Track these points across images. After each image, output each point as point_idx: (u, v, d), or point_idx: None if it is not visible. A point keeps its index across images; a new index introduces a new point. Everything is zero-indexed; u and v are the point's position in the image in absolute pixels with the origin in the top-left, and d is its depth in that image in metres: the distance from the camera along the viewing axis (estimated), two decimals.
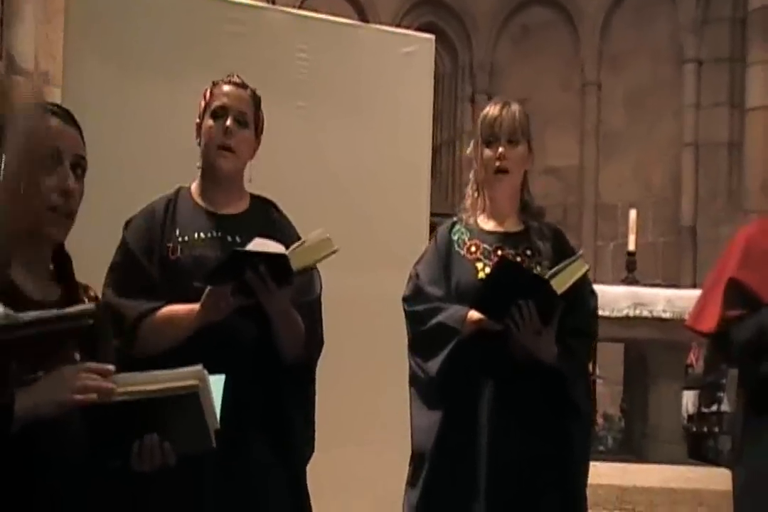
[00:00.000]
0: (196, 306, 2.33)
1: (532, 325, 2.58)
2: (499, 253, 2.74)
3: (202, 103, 2.56)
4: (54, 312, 1.66)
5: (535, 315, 2.57)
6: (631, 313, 5.36)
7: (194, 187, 2.58)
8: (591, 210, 10.09)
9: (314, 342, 2.52)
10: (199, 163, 2.56)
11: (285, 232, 2.51)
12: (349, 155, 3.79)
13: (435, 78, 4.11)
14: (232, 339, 2.37)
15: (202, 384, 1.80)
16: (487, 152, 2.78)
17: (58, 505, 1.75)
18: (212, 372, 1.88)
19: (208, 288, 2.31)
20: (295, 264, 2.31)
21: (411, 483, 2.75)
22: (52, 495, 1.74)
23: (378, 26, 5.14)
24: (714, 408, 7.78)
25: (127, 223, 2.52)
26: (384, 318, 3.55)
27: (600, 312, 2.98)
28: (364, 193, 3.80)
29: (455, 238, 2.82)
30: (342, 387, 3.36)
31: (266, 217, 2.57)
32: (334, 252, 2.34)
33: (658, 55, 9.77)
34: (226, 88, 2.55)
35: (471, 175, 2.88)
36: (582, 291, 2.74)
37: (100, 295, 2.08)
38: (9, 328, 1.54)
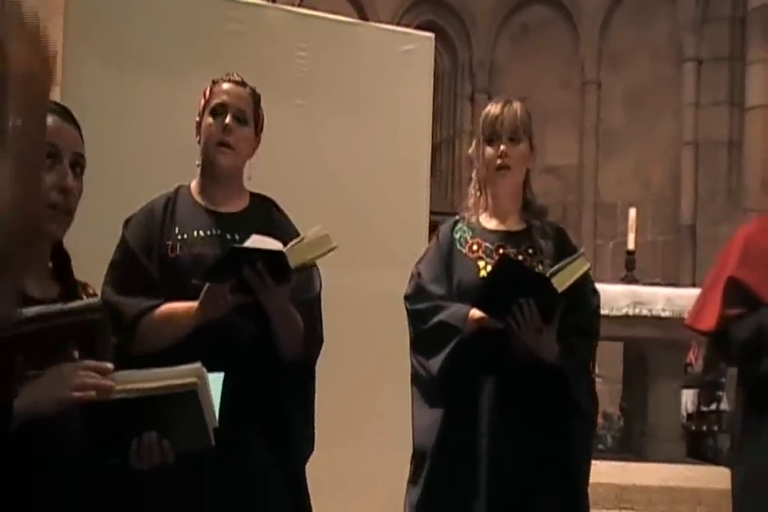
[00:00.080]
0: (194, 303, 2.33)
1: (533, 323, 2.58)
2: (501, 251, 2.74)
3: (202, 102, 2.57)
4: (58, 306, 1.66)
5: (536, 314, 2.58)
6: (631, 312, 5.37)
7: (194, 185, 2.58)
8: (590, 209, 10.10)
9: (313, 340, 2.51)
10: (198, 161, 2.56)
11: (284, 230, 2.51)
12: (349, 153, 3.79)
13: (434, 76, 4.11)
14: (230, 336, 2.38)
15: (201, 381, 1.80)
16: (489, 150, 2.78)
17: (57, 503, 1.75)
18: (211, 369, 1.88)
19: (207, 285, 2.31)
20: (293, 261, 2.30)
21: (412, 481, 2.75)
22: (51, 492, 1.74)
23: (377, 24, 5.14)
24: (713, 406, 7.79)
25: (127, 222, 2.52)
26: (383, 317, 3.56)
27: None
28: (364, 191, 3.80)
29: (457, 236, 2.82)
30: (341, 386, 3.35)
31: (266, 215, 2.57)
32: (332, 249, 2.34)
33: (658, 53, 9.77)
34: (226, 86, 2.55)
35: (473, 175, 2.88)
36: (584, 290, 2.74)
37: (99, 293, 2.08)
38: (13, 324, 1.54)
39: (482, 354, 2.67)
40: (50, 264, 1.88)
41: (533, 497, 2.67)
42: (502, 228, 2.82)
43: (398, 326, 2.96)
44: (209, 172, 2.54)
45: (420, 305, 2.76)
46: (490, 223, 2.84)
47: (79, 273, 1.94)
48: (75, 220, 1.84)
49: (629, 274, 6.44)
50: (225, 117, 2.50)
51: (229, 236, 2.47)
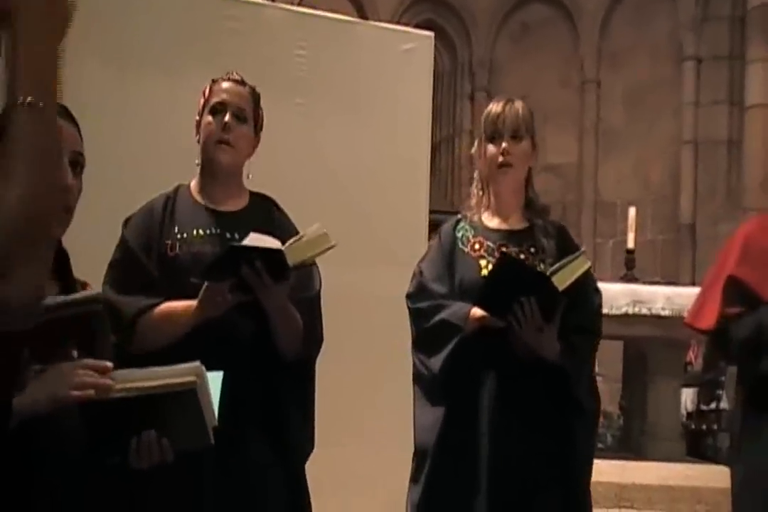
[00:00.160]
0: (193, 302, 2.33)
1: (533, 322, 2.58)
2: (503, 250, 2.74)
3: (201, 101, 2.57)
4: (60, 298, 1.66)
5: (537, 312, 2.57)
6: (630, 311, 5.36)
7: (193, 184, 2.58)
8: (590, 207, 10.10)
9: (313, 338, 2.51)
10: (198, 160, 2.56)
11: (284, 229, 2.51)
12: (348, 152, 3.78)
13: (434, 75, 4.10)
14: (230, 335, 2.38)
15: (200, 380, 1.80)
16: (491, 148, 2.78)
17: (56, 501, 1.75)
18: (210, 368, 1.88)
19: (205, 284, 2.31)
20: (292, 259, 2.30)
21: (413, 480, 2.75)
22: (50, 491, 1.74)
23: (377, 23, 5.13)
24: (713, 405, 7.79)
25: (126, 221, 2.52)
26: (383, 316, 3.56)
27: None
28: (363, 190, 3.79)
29: (459, 235, 2.82)
30: (342, 385, 3.35)
31: (266, 214, 2.57)
32: (331, 247, 2.34)
33: (658, 52, 9.77)
34: (226, 84, 2.55)
35: (475, 174, 2.89)
36: (586, 289, 2.74)
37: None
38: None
39: (483, 352, 2.67)
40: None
41: (534, 496, 2.67)
42: (504, 227, 2.82)
43: (398, 325, 2.96)
44: (209, 170, 2.54)
45: (421, 304, 2.77)
46: (492, 221, 2.84)
47: (79, 272, 1.94)
48: (74, 219, 1.84)
49: (629, 273, 6.43)
50: (224, 115, 2.50)
51: (228, 235, 2.47)
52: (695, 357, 8.03)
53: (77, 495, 1.79)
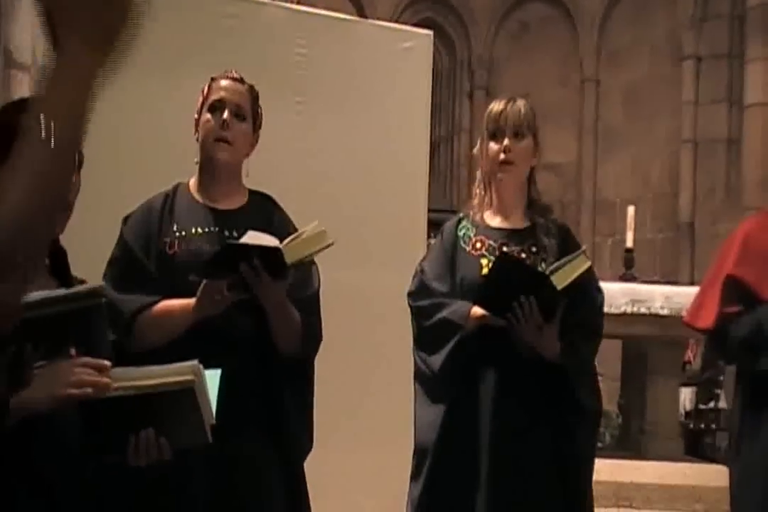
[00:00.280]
0: (192, 300, 2.33)
1: (533, 321, 2.58)
2: (504, 249, 2.74)
3: (200, 99, 2.56)
4: (61, 291, 1.66)
5: (536, 311, 2.57)
6: (629, 310, 5.36)
7: (192, 182, 2.58)
8: (589, 206, 10.10)
9: (312, 336, 2.51)
10: (197, 159, 2.55)
11: (283, 227, 2.50)
12: (347, 151, 3.78)
13: (433, 74, 4.10)
14: (228, 333, 2.37)
15: (198, 379, 1.80)
16: (493, 146, 2.78)
17: (54, 499, 1.75)
18: (209, 366, 1.88)
19: (204, 282, 2.31)
20: (290, 257, 2.30)
21: (413, 478, 2.76)
22: (48, 488, 1.74)
23: (376, 22, 5.13)
24: (711, 404, 7.79)
25: (126, 219, 2.52)
26: (382, 314, 3.56)
27: None
28: (362, 188, 3.79)
29: (461, 234, 2.82)
30: (340, 384, 3.35)
31: (264, 212, 2.57)
32: (329, 245, 2.34)
33: (657, 51, 9.77)
34: (224, 82, 2.55)
35: (478, 173, 2.89)
36: (588, 288, 2.74)
37: None
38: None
39: (484, 351, 2.68)
40: (47, 261, 1.87)
41: (534, 493, 2.67)
42: (506, 225, 2.82)
43: (397, 324, 2.96)
44: (208, 168, 2.53)
45: (423, 302, 2.77)
46: (494, 220, 2.84)
47: (77, 270, 1.94)
48: (73, 216, 1.84)
49: (628, 272, 6.43)
50: (223, 113, 2.50)
51: (227, 233, 2.47)
52: (694, 356, 8.03)
53: (75, 493, 1.79)
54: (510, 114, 2.77)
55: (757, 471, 2.81)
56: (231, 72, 2.59)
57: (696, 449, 7.08)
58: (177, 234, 2.47)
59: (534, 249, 2.77)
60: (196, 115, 2.56)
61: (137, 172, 3.27)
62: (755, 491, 2.81)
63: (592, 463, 2.80)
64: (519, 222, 2.83)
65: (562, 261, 2.64)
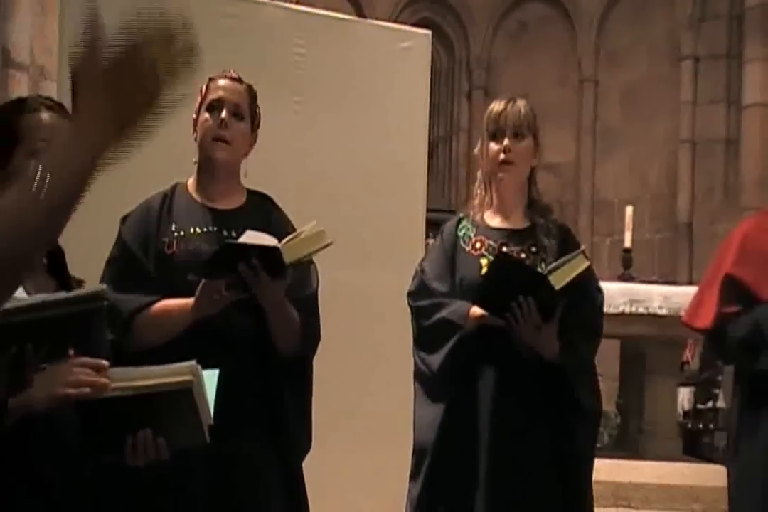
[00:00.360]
0: (190, 300, 2.33)
1: (531, 321, 2.58)
2: (504, 249, 2.74)
3: (198, 99, 2.56)
4: (62, 295, 1.65)
5: (535, 311, 2.58)
6: (627, 310, 5.35)
7: (191, 182, 2.58)
8: (587, 206, 10.10)
9: (310, 336, 2.51)
10: (195, 158, 2.55)
11: (281, 227, 2.50)
12: (345, 150, 3.78)
13: (431, 73, 4.10)
14: (227, 332, 2.37)
15: (196, 379, 1.80)
16: (493, 146, 2.78)
17: (52, 499, 1.75)
18: (207, 365, 1.88)
19: (202, 281, 2.31)
20: (289, 256, 2.30)
21: (413, 477, 2.77)
22: (47, 488, 1.74)
23: (374, 21, 5.13)
24: (710, 404, 7.79)
25: (124, 219, 2.52)
26: (381, 314, 3.56)
27: None
28: (361, 188, 3.79)
29: (461, 234, 2.82)
30: (340, 384, 3.35)
31: (263, 212, 2.57)
32: (328, 245, 2.34)
33: (655, 51, 9.77)
34: (222, 82, 2.55)
35: (478, 174, 2.89)
36: (588, 288, 2.74)
37: None
38: (10, 312, 1.52)
39: (483, 351, 2.68)
40: (44, 260, 1.87)
41: (533, 494, 2.68)
42: (506, 225, 2.82)
43: (396, 323, 2.95)
44: (206, 167, 2.53)
45: (422, 302, 2.77)
46: (494, 220, 2.84)
47: (75, 270, 1.94)
48: (72, 217, 1.83)
49: (626, 272, 6.42)
50: (221, 112, 2.49)
51: (225, 233, 2.47)
52: (692, 356, 8.03)
53: (74, 493, 1.79)
54: (510, 114, 2.77)
55: (756, 471, 2.81)
56: (229, 71, 2.59)
57: (694, 449, 7.07)
58: (175, 234, 2.46)
59: (534, 249, 2.77)
60: (194, 115, 2.56)
61: (135, 172, 3.26)
62: (753, 491, 2.81)
63: (591, 463, 2.80)
64: (519, 222, 2.83)
65: (561, 261, 2.64)
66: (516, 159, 2.77)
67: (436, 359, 2.71)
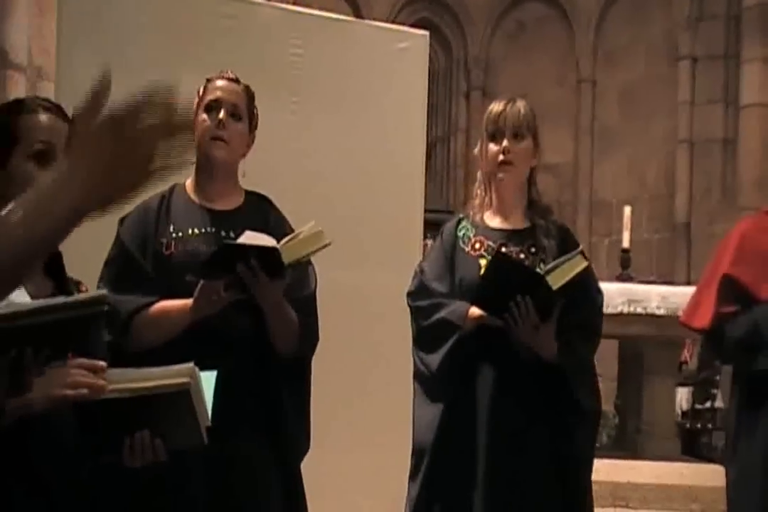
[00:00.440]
0: (189, 301, 2.33)
1: (529, 321, 2.58)
2: (504, 249, 2.74)
3: (196, 100, 2.56)
4: (62, 299, 1.65)
5: (532, 311, 2.58)
6: (626, 310, 5.35)
7: (188, 182, 2.58)
8: (585, 206, 10.10)
9: (309, 337, 2.51)
10: (193, 159, 2.55)
11: (280, 228, 2.50)
12: (343, 151, 3.78)
13: (429, 74, 4.10)
14: (225, 333, 2.37)
15: (193, 381, 1.80)
16: (492, 147, 2.78)
17: (50, 500, 1.75)
18: (206, 366, 1.88)
19: (201, 282, 2.31)
20: (287, 257, 2.30)
21: (412, 477, 2.77)
22: (45, 488, 1.74)
23: (372, 22, 5.13)
24: (708, 404, 7.79)
25: (122, 220, 2.52)
26: (379, 314, 3.55)
27: None
28: (359, 189, 3.79)
29: (461, 234, 2.83)
30: (338, 385, 3.35)
31: (261, 212, 2.57)
32: (326, 245, 2.34)
33: (653, 51, 9.77)
34: (220, 82, 2.55)
35: (478, 174, 2.89)
36: (588, 289, 2.75)
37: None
38: (10, 316, 1.52)
39: (482, 351, 2.68)
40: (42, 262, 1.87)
41: (532, 494, 2.68)
42: (505, 226, 2.83)
43: (394, 323, 2.95)
44: (204, 167, 2.53)
45: (422, 302, 2.78)
46: (493, 221, 2.84)
47: (73, 270, 1.94)
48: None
49: (624, 272, 6.43)
50: (219, 112, 2.49)
51: (224, 233, 2.47)
52: (690, 356, 8.04)
53: (72, 493, 1.79)
54: (509, 115, 2.77)
55: (754, 471, 2.81)
56: (227, 72, 2.59)
57: (692, 449, 7.07)
58: (173, 234, 2.46)
59: (533, 249, 2.78)
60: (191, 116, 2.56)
61: None
62: (752, 491, 2.81)
63: (591, 464, 2.80)
64: (519, 222, 2.83)
65: (558, 261, 2.64)
66: (515, 160, 2.77)
67: (434, 359, 2.71)
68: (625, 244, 6.55)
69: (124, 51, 3.44)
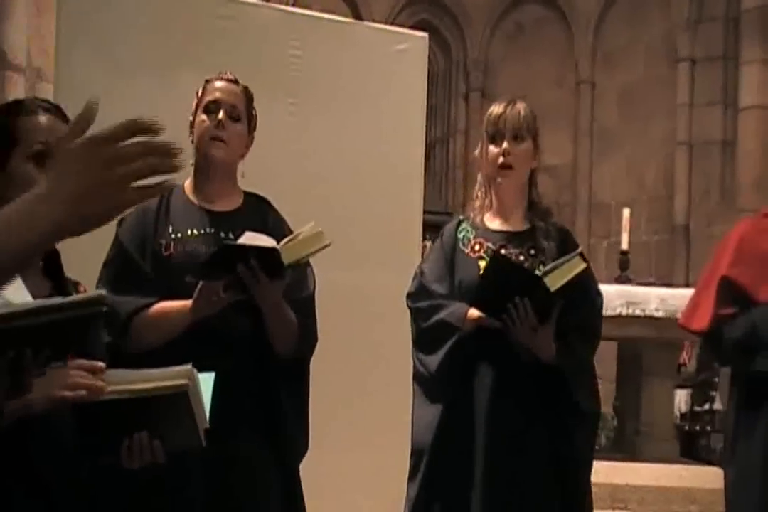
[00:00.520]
0: (188, 302, 2.33)
1: (527, 322, 2.58)
2: (503, 251, 2.74)
3: (195, 101, 2.56)
4: (59, 299, 1.65)
5: (531, 313, 2.58)
6: (624, 312, 5.36)
7: (187, 183, 2.58)
8: (584, 208, 10.10)
9: (308, 338, 2.51)
10: (191, 160, 2.55)
11: (278, 230, 2.50)
12: (342, 152, 3.78)
13: (428, 75, 4.10)
14: (225, 334, 2.37)
15: (192, 383, 1.80)
16: (492, 149, 2.78)
17: (49, 500, 1.75)
18: (205, 367, 1.88)
19: (200, 283, 2.31)
20: (287, 257, 2.30)
21: (411, 478, 2.77)
22: (44, 489, 1.74)
23: (371, 24, 5.13)
24: (706, 406, 7.79)
25: (120, 220, 2.52)
26: (378, 315, 3.56)
27: None
28: (357, 190, 3.79)
29: (461, 236, 2.83)
30: (337, 386, 3.35)
31: (260, 214, 2.57)
32: (326, 246, 2.34)
33: (652, 53, 9.77)
34: (219, 83, 2.55)
35: (479, 176, 2.89)
36: (587, 290, 2.75)
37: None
38: (7, 317, 1.52)
39: (481, 352, 2.68)
40: (40, 262, 1.87)
41: (531, 495, 2.68)
42: (505, 228, 2.83)
43: (393, 324, 2.95)
44: (203, 167, 2.53)
45: (421, 303, 2.78)
46: (493, 222, 2.84)
47: (74, 272, 1.94)
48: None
49: (623, 274, 6.43)
50: (218, 113, 2.50)
51: (223, 234, 2.47)
52: (689, 358, 8.04)
53: (71, 493, 1.79)
54: (509, 117, 2.77)
55: (753, 473, 2.81)
56: (225, 73, 2.59)
57: (691, 451, 7.07)
58: (172, 235, 2.46)
59: (533, 251, 2.78)
60: (190, 117, 2.56)
61: None
62: (751, 492, 2.81)
63: (590, 466, 2.80)
64: (519, 224, 2.83)
65: (557, 262, 2.64)
66: (515, 162, 2.77)
67: (434, 360, 2.72)
68: (624, 245, 6.55)
69: (123, 52, 3.45)
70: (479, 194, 2.87)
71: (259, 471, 2.41)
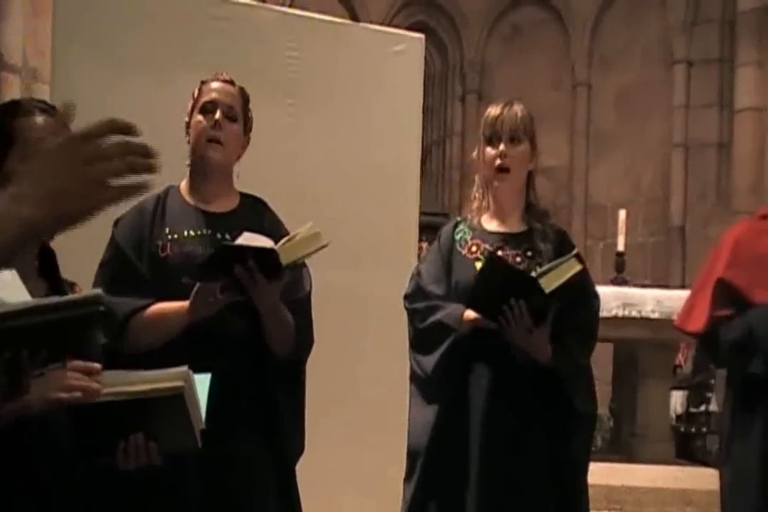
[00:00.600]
0: (185, 303, 2.33)
1: (522, 324, 2.58)
2: (500, 253, 2.74)
3: (191, 102, 2.56)
4: (55, 299, 1.64)
5: (526, 314, 2.58)
6: (620, 313, 5.36)
7: (183, 184, 2.57)
8: (581, 210, 10.11)
9: (304, 339, 2.51)
10: (188, 161, 2.55)
11: (275, 231, 2.50)
12: (338, 153, 3.78)
13: (425, 77, 4.10)
14: (222, 335, 2.37)
15: (188, 385, 1.80)
16: (489, 151, 2.78)
17: (45, 501, 1.75)
18: (202, 367, 1.88)
19: (198, 284, 2.31)
20: (285, 258, 2.30)
21: (407, 479, 2.77)
22: (41, 489, 1.74)
23: (367, 25, 5.13)
24: (702, 408, 7.80)
25: (117, 221, 2.52)
26: (374, 316, 3.56)
27: None
28: (354, 191, 3.79)
29: (458, 237, 2.83)
30: (334, 386, 3.35)
31: (256, 215, 2.57)
32: (323, 246, 2.33)
33: (648, 55, 9.78)
34: (215, 84, 2.55)
35: (476, 178, 2.89)
36: (584, 292, 2.74)
37: None
38: (2, 316, 1.52)
39: (477, 353, 2.68)
40: (36, 263, 1.87)
41: (527, 497, 2.68)
42: (502, 229, 2.83)
43: (389, 326, 2.95)
44: (199, 168, 2.53)
45: (418, 304, 2.78)
46: (490, 224, 2.84)
47: (67, 272, 1.93)
48: None
49: (619, 276, 6.44)
50: (215, 113, 2.49)
51: (219, 235, 2.47)
52: (685, 359, 8.05)
53: (67, 494, 1.79)
54: (506, 119, 2.77)
55: (749, 474, 2.81)
56: (222, 74, 2.59)
57: (687, 452, 7.08)
58: (169, 236, 2.46)
59: (530, 253, 2.78)
60: (186, 118, 2.56)
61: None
62: (747, 494, 2.81)
63: (587, 468, 2.80)
64: (516, 226, 2.83)
65: (552, 264, 2.63)
66: (512, 164, 2.77)
67: (430, 361, 2.72)
68: (620, 247, 6.56)
69: (119, 53, 3.44)
70: (477, 196, 2.87)
71: (256, 471, 2.41)
